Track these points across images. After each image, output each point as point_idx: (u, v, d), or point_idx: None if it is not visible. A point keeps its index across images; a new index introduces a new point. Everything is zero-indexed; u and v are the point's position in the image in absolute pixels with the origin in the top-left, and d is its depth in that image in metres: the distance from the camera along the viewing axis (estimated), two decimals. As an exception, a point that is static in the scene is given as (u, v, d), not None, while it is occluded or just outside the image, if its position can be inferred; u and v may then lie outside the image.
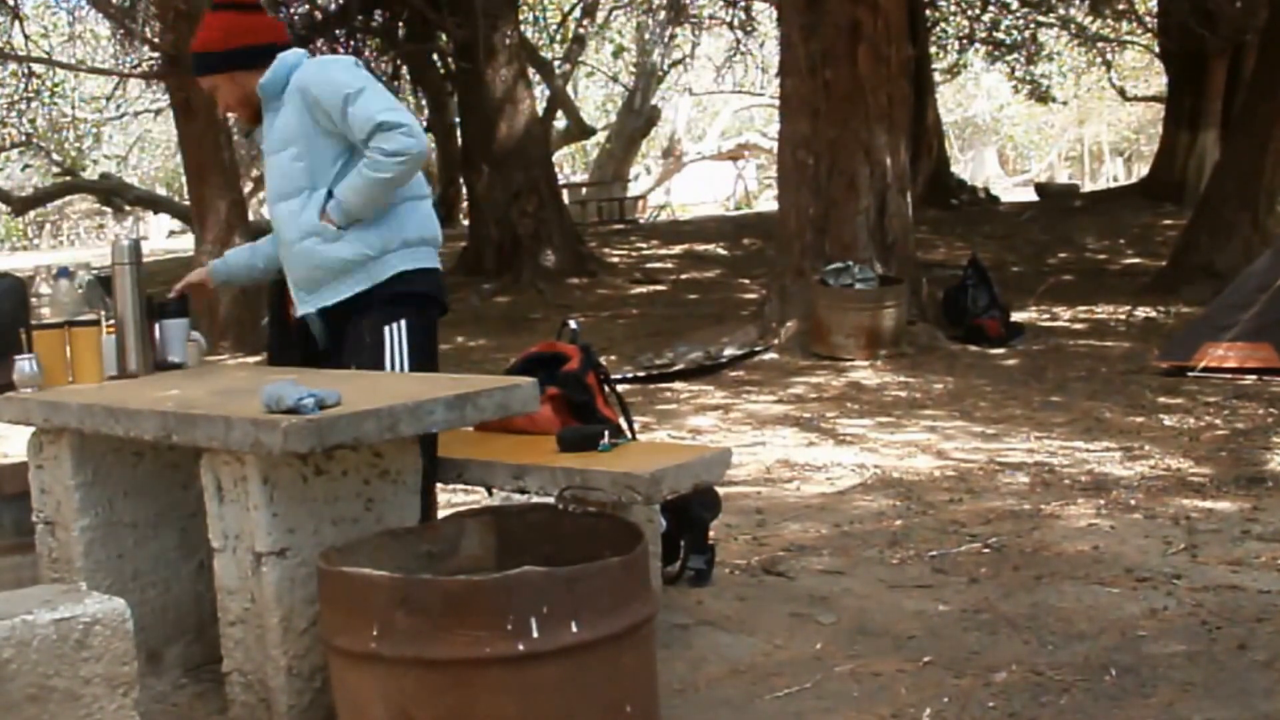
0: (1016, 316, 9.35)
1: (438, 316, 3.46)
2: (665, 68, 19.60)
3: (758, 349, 8.65)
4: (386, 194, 3.25)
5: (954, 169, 21.29)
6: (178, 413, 2.76)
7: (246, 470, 2.67)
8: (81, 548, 3.12)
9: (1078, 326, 9.55)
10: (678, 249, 15.96)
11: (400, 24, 14.08)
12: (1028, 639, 3.24)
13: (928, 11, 16.22)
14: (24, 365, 3.17)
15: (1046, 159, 38.37)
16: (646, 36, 18.73)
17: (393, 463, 2.87)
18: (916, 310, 8.88)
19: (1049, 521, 4.39)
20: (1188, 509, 4.47)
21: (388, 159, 3.16)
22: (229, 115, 4.33)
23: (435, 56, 14.24)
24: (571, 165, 30.94)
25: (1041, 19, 18.47)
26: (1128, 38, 20.78)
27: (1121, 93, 25.18)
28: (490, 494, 3.87)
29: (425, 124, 17.40)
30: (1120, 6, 17.47)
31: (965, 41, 18.90)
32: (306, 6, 14.50)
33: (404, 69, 15.00)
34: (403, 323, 3.30)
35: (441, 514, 3.79)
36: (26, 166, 23.18)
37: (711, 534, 3.87)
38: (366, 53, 14.83)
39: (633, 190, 25.44)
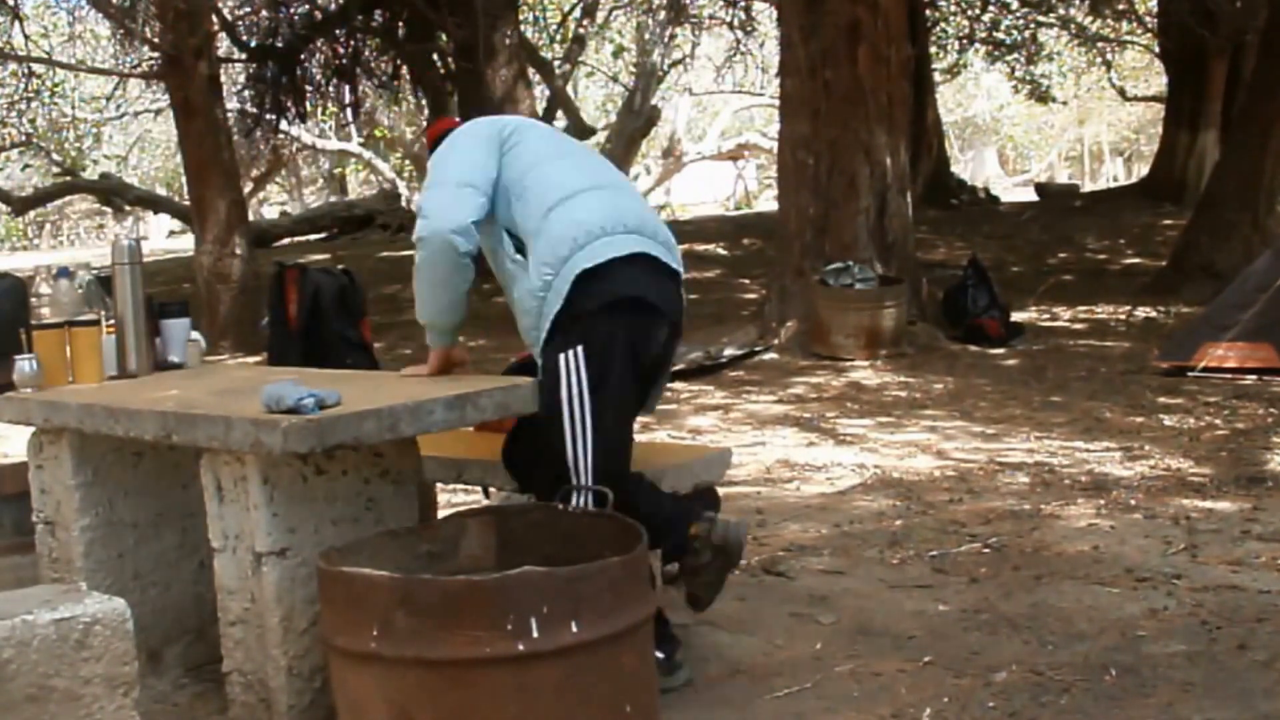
0: (1016, 316, 9.35)
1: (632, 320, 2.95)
2: (665, 68, 19.56)
3: (758, 349, 8.65)
4: (423, 283, 2.99)
5: (954, 169, 21.27)
6: (178, 413, 2.76)
7: (246, 470, 2.67)
8: (81, 548, 3.12)
9: (1078, 326, 9.55)
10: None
11: (400, 24, 14.06)
12: (1028, 639, 3.24)
13: (928, 11, 16.21)
14: (24, 365, 3.18)
15: (1046, 159, 38.34)
16: (646, 36, 18.71)
17: (393, 463, 2.87)
18: (916, 310, 8.88)
19: (1049, 521, 4.39)
20: (1188, 509, 4.47)
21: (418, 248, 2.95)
22: (228, 114, 4.34)
23: (435, 56, 14.22)
24: (571, 165, 30.77)
25: (1041, 19, 18.45)
26: (1128, 38, 20.76)
27: (1121, 93, 25.16)
28: (490, 494, 3.87)
29: (425, 124, 17.39)
30: (1120, 6, 17.46)
31: (965, 41, 18.88)
32: (306, 6, 14.49)
33: (404, 69, 14.99)
34: (579, 349, 2.90)
35: (441, 514, 3.79)
36: (26, 166, 23.17)
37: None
38: (366, 52, 14.83)
39: (633, 190, 25.30)
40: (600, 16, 18.54)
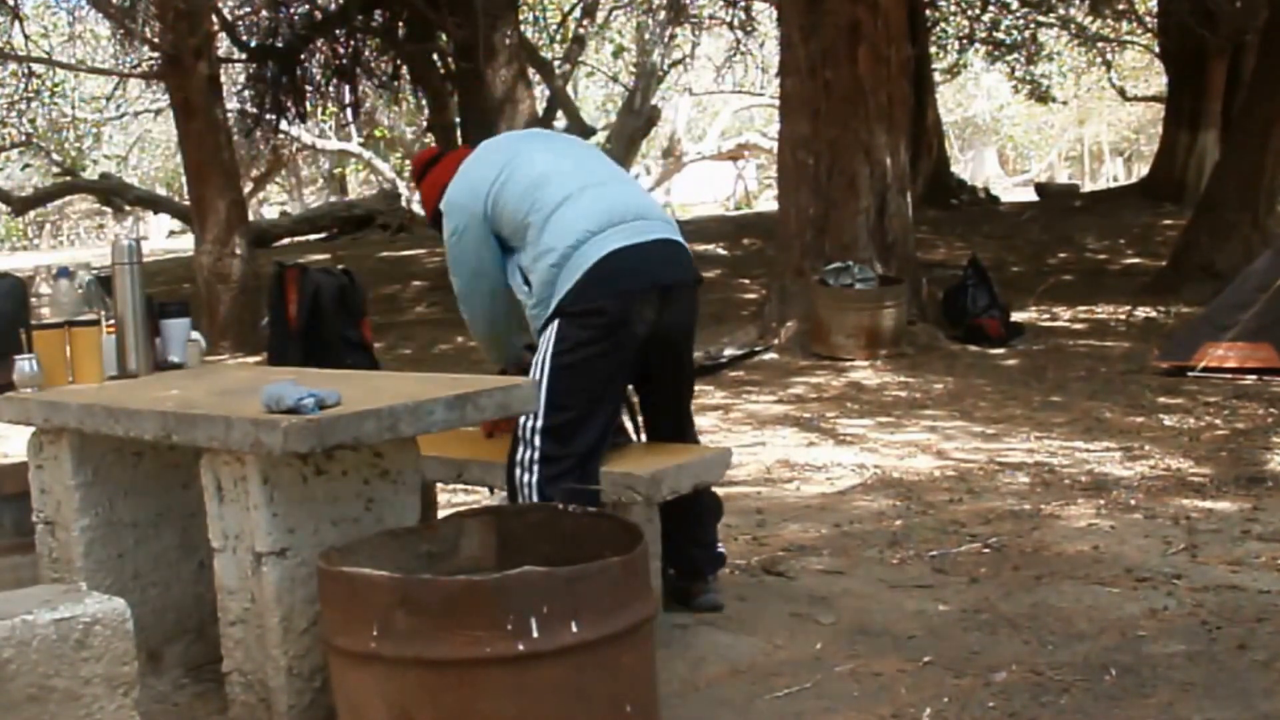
0: (1016, 316, 9.35)
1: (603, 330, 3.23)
2: (665, 68, 19.55)
3: (758, 349, 8.66)
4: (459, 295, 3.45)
5: (954, 169, 21.26)
6: (178, 413, 2.76)
7: (246, 470, 2.67)
8: (81, 548, 3.12)
9: (1078, 326, 9.55)
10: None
11: (400, 24, 14.05)
12: (1028, 639, 3.24)
13: (928, 11, 16.20)
14: (24, 365, 3.17)
15: (1046, 159, 38.32)
16: (646, 36, 18.69)
17: (393, 463, 2.87)
18: (916, 310, 8.88)
19: (1049, 521, 4.39)
20: (1188, 509, 4.47)
21: None
22: (228, 114, 4.41)
23: (435, 56, 14.21)
24: (572, 165, 30.76)
25: (1041, 19, 18.44)
26: (1128, 38, 20.76)
27: (1121, 93, 25.16)
28: (491, 494, 3.87)
29: (425, 124, 17.39)
30: (1120, 6, 17.45)
31: (965, 41, 18.87)
32: (306, 6, 14.49)
33: (404, 69, 14.98)
34: (556, 323, 3.25)
35: (441, 514, 3.79)
36: (26, 166, 23.17)
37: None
38: (366, 52, 14.82)
39: (633, 190, 25.28)
40: (600, 16, 18.53)
